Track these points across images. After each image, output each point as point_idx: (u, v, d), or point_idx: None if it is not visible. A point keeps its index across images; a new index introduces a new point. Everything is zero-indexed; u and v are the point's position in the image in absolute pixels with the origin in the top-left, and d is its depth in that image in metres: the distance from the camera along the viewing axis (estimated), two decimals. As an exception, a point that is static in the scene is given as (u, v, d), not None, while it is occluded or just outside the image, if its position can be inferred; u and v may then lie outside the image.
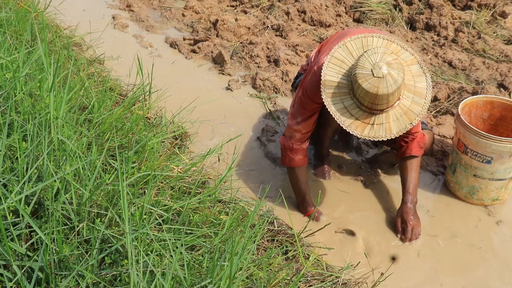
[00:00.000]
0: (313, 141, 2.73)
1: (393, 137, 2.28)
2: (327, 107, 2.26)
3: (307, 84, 2.48)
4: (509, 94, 3.49)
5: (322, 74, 2.28)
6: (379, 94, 2.14)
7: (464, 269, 2.39)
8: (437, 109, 3.40)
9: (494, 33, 4.23)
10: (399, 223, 2.56)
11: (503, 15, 4.38)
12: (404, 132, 2.28)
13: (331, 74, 2.28)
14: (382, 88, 2.13)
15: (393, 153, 3.04)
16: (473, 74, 3.73)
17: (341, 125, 2.26)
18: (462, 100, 2.81)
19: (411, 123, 2.27)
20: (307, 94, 2.47)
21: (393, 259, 2.40)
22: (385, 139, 2.27)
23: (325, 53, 2.48)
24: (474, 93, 3.43)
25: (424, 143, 2.65)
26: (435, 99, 3.46)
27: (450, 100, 3.44)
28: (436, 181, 2.89)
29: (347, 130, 2.26)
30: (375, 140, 2.28)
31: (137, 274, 1.62)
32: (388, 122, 2.26)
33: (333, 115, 2.25)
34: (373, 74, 2.13)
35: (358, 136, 2.26)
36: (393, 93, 2.16)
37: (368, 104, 2.21)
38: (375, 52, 2.16)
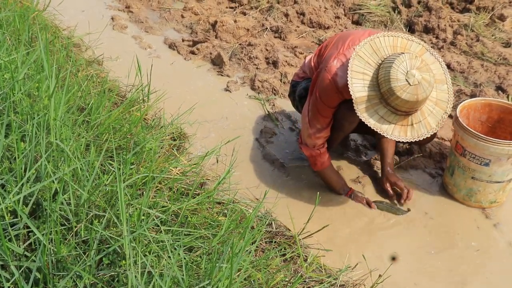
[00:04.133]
0: None
1: (435, 131, 2.34)
2: (365, 122, 2.30)
3: (320, 91, 2.50)
4: (507, 97, 3.49)
5: (351, 92, 2.30)
6: (419, 100, 2.22)
7: (461, 272, 2.39)
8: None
9: (492, 36, 4.24)
10: (389, 187, 2.72)
11: (502, 18, 4.39)
12: (443, 123, 2.34)
13: (359, 89, 2.31)
14: (421, 94, 2.21)
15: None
16: (471, 77, 3.73)
17: (385, 135, 2.31)
18: (460, 103, 2.81)
19: (445, 112, 2.34)
20: (322, 100, 2.49)
21: (393, 259, 2.40)
22: (428, 135, 2.33)
23: (333, 57, 2.48)
24: (473, 95, 3.43)
25: None
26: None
27: (449, 103, 3.45)
28: (434, 183, 2.89)
29: (392, 138, 2.32)
30: (419, 139, 2.32)
31: (135, 275, 1.62)
32: (425, 118, 2.33)
33: (374, 129, 2.30)
34: (409, 84, 2.19)
35: (403, 140, 2.32)
36: (430, 94, 2.25)
37: (407, 110, 2.27)
38: (403, 61, 2.21)
